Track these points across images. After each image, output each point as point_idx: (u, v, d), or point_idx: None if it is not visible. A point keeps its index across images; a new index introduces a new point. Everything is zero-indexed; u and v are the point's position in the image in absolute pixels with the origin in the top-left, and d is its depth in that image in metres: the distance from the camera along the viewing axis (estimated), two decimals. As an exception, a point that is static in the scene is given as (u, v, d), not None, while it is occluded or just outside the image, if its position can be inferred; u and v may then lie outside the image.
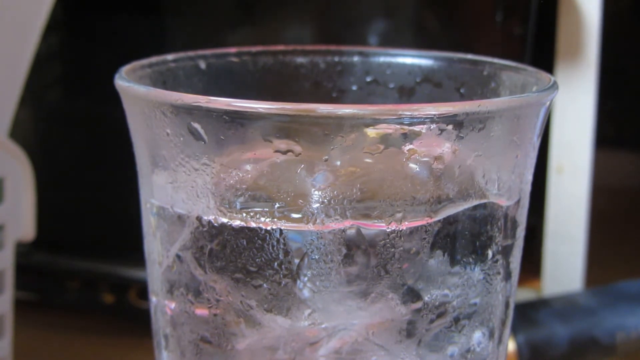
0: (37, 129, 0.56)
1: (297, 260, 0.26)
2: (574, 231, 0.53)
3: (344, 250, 0.26)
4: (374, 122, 0.25)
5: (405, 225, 0.26)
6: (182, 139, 0.26)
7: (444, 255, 0.27)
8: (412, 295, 0.27)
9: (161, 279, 0.29)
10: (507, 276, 0.29)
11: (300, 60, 0.35)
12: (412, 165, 0.26)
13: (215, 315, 0.28)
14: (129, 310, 0.52)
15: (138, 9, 0.53)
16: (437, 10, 0.54)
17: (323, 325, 0.27)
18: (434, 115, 0.25)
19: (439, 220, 0.27)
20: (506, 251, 0.29)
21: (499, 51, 0.52)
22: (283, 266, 0.26)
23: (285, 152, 0.25)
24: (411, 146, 0.25)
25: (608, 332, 0.47)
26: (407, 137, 0.25)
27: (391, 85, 0.35)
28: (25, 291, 0.53)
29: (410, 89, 0.35)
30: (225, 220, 0.27)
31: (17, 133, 0.44)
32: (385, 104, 0.27)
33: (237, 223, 0.27)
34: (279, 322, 0.27)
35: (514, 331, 0.46)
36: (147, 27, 0.53)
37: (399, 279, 0.27)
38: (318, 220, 0.26)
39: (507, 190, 0.28)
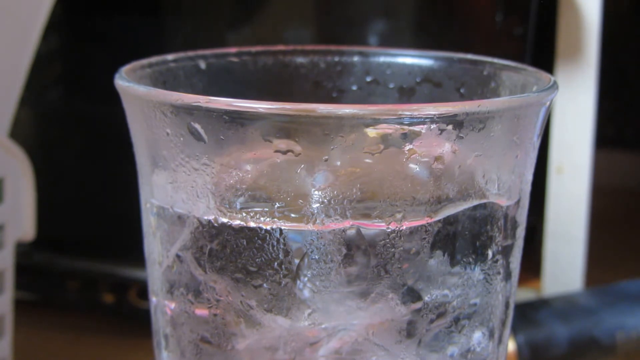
0: (37, 129, 0.56)
1: (297, 260, 0.26)
2: (574, 231, 0.53)
3: (344, 250, 0.26)
4: (374, 122, 0.25)
5: (405, 225, 0.26)
6: (182, 139, 0.26)
7: (444, 255, 0.27)
8: (412, 295, 0.27)
9: (161, 279, 0.29)
10: (507, 276, 0.29)
11: (300, 60, 0.35)
12: (412, 165, 0.26)
13: (215, 315, 0.28)
14: (129, 310, 0.52)
15: (138, 9, 0.53)
16: (437, 10, 0.54)
17: (323, 326, 0.27)
18: (434, 115, 0.25)
19: (439, 220, 0.27)
20: (506, 251, 0.29)
21: (499, 51, 0.52)
22: (283, 266, 0.26)
23: (285, 152, 0.25)
24: (411, 146, 0.25)
25: (608, 332, 0.47)
26: (407, 137, 0.25)
27: (391, 85, 0.35)
28: (25, 291, 0.53)
29: (410, 89, 0.35)
30: (225, 220, 0.27)
31: (17, 133, 0.44)
32: (385, 104, 0.27)
33: (237, 223, 0.27)
34: (279, 322, 0.27)
35: (514, 331, 0.46)
36: (147, 27, 0.53)
37: (399, 279, 0.27)
38: (318, 220, 0.26)
39: (507, 190, 0.28)
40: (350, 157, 0.25)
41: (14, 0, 0.40)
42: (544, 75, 0.30)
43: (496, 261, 0.28)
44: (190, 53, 0.33)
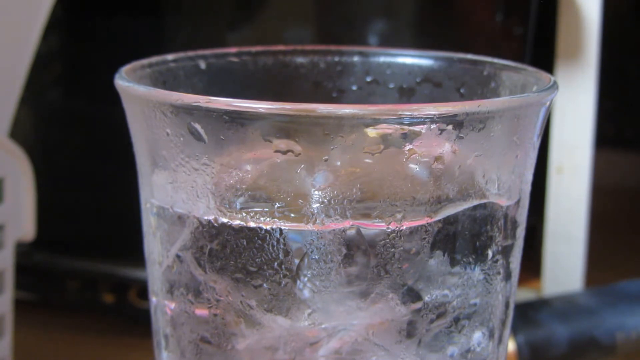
0: (37, 129, 0.56)
1: (297, 260, 0.26)
2: (574, 231, 0.53)
3: (344, 251, 0.26)
4: (374, 122, 0.25)
5: (405, 225, 0.26)
6: (182, 139, 0.26)
7: (444, 255, 0.27)
8: (412, 295, 0.27)
9: (161, 279, 0.29)
10: (507, 276, 0.29)
11: (300, 60, 0.35)
12: (412, 165, 0.26)
13: (215, 315, 0.28)
14: (129, 310, 0.52)
15: (138, 9, 0.53)
16: (437, 10, 0.54)
17: (323, 326, 0.27)
18: (434, 115, 0.25)
19: (439, 220, 0.27)
20: (506, 251, 0.29)
21: (499, 51, 0.52)
22: (283, 266, 0.26)
23: (285, 152, 0.25)
24: (411, 146, 0.25)
25: (608, 332, 0.47)
26: (407, 137, 0.25)
27: (391, 85, 0.35)
28: (25, 291, 0.53)
29: (410, 89, 0.35)
30: (225, 220, 0.27)
31: (17, 133, 0.44)
32: (385, 104, 0.27)
33: (237, 223, 0.27)
34: (279, 322, 0.27)
35: (514, 331, 0.46)
36: (147, 27, 0.53)
37: (399, 279, 0.27)
38: (318, 220, 0.26)
39: (507, 190, 0.28)
40: (350, 157, 0.25)
41: (14, 0, 0.40)
42: (544, 75, 0.30)
43: (496, 261, 0.28)
44: (190, 53, 0.33)
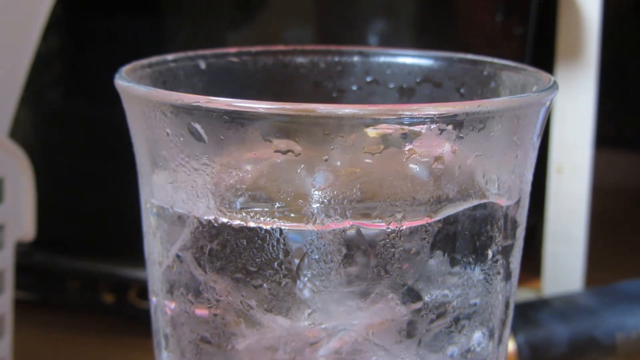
0: (37, 129, 0.56)
1: (297, 261, 0.26)
2: (574, 231, 0.53)
3: (344, 251, 0.26)
4: (374, 122, 0.25)
5: (405, 225, 0.26)
6: (182, 139, 0.26)
7: (444, 255, 0.27)
8: (412, 295, 0.27)
9: (161, 279, 0.29)
10: (507, 276, 0.29)
11: (300, 60, 0.35)
12: (412, 165, 0.26)
13: (215, 315, 0.28)
14: (129, 310, 0.52)
15: (138, 9, 0.53)
16: (437, 10, 0.54)
17: (323, 326, 0.27)
18: (434, 115, 0.25)
19: (439, 220, 0.27)
20: (506, 251, 0.29)
21: (499, 51, 0.52)
22: (283, 266, 0.26)
23: (285, 152, 0.25)
24: (411, 146, 0.25)
25: (608, 332, 0.47)
26: (407, 137, 0.25)
27: (391, 85, 0.35)
28: (25, 291, 0.53)
29: (410, 89, 0.35)
30: (225, 220, 0.27)
31: (17, 133, 0.44)
32: (385, 104, 0.27)
33: (237, 223, 0.27)
34: (279, 322, 0.27)
35: (514, 331, 0.46)
36: (147, 27, 0.53)
37: (399, 279, 0.27)
38: (318, 220, 0.26)
39: (507, 190, 0.28)
40: (350, 157, 0.25)
41: (14, 0, 0.40)
42: (544, 75, 0.30)
43: (496, 261, 0.28)
44: (190, 53, 0.33)
